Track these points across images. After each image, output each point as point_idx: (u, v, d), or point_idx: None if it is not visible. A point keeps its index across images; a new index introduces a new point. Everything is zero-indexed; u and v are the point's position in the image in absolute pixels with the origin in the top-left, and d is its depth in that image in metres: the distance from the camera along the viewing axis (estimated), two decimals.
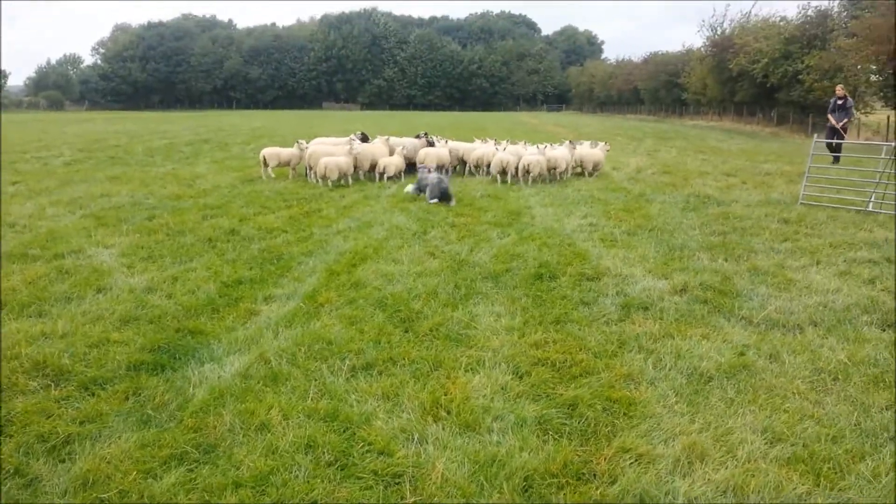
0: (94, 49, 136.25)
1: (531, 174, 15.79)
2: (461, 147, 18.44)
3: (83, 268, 8.24)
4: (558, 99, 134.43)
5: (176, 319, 6.45)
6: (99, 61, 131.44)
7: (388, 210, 12.54)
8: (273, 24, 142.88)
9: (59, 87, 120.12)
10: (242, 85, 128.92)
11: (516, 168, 15.96)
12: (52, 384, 5.09)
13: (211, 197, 13.82)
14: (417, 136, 18.73)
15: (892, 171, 12.72)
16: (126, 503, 3.69)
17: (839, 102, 21.89)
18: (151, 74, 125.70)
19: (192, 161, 21.87)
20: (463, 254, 9.06)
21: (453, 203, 13.12)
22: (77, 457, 4.11)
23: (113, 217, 11.53)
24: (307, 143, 17.42)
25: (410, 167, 17.18)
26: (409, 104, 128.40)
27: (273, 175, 16.66)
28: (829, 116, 22.14)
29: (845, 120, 21.91)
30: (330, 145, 17.59)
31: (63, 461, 4.09)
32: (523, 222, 11.34)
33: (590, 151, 17.81)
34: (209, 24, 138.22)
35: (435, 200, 13.20)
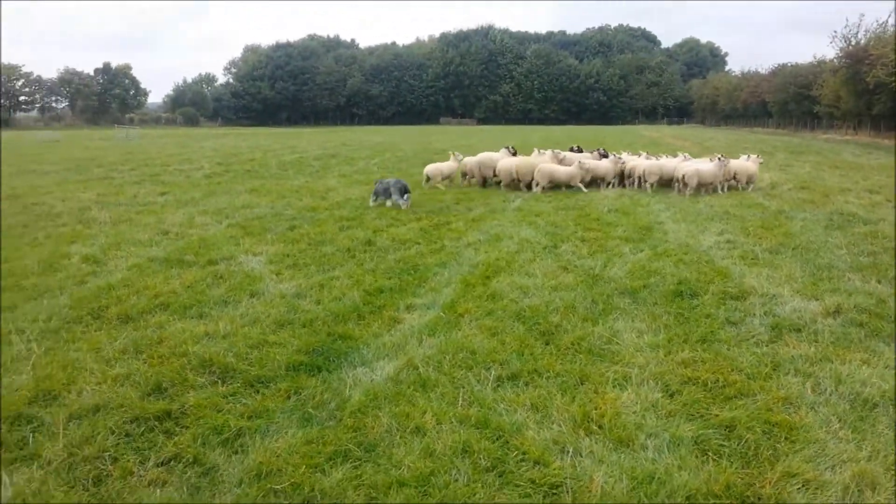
0: (226, 69, 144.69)
1: (689, 185, 16.34)
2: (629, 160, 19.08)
3: (236, 273, 8.75)
4: (679, 112, 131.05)
5: (326, 324, 6.75)
6: (231, 80, 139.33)
7: (516, 224, 12.61)
8: (393, 43, 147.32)
9: (194, 105, 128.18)
10: (364, 102, 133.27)
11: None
12: (219, 381, 5.45)
13: (344, 209, 14.35)
14: (571, 149, 21.11)
15: None
16: (299, 495, 3.89)
17: None
18: (279, 92, 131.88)
19: (322, 174, 22.79)
20: (597, 269, 8.99)
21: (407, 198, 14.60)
22: (249, 449, 4.38)
23: (257, 226, 12.18)
24: (463, 155, 19.20)
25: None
26: (525, 119, 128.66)
27: (441, 187, 17.77)
28: None
29: None
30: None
31: (236, 452, 4.37)
32: (656, 238, 11.13)
33: (744, 164, 17.80)
34: (333, 44, 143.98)
35: (406, 197, 14.59)
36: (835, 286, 8.15)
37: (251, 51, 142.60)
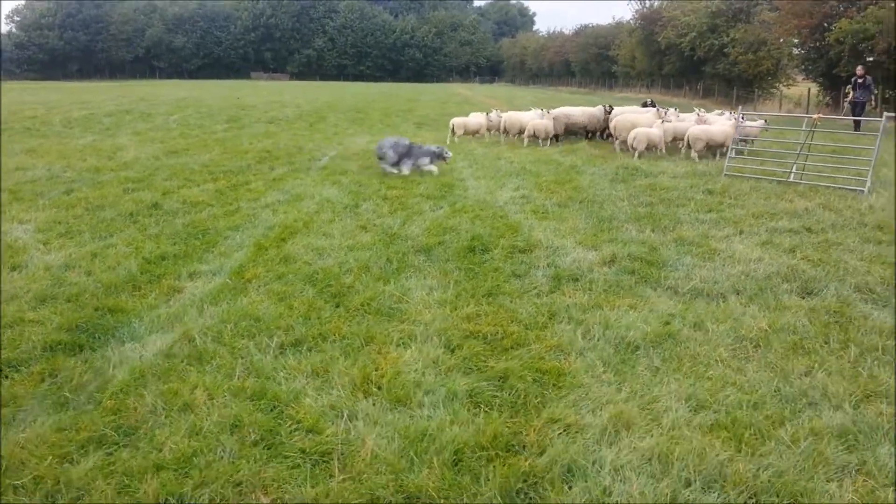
0: (8, 17, 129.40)
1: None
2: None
3: None
4: (490, 71, 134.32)
5: (95, 297, 6.20)
6: (14, 30, 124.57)
7: (319, 183, 12.32)
8: None
9: None
10: (166, 54, 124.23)
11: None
12: None
13: (133, 170, 13.33)
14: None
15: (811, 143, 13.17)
16: (41, 490, 3.52)
17: (860, 81, 23.51)
18: (69, 43, 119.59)
19: (113, 132, 21.05)
20: (395, 227, 8.98)
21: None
22: None
23: (29, 191, 11.00)
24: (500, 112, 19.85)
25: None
26: (340, 75, 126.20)
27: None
28: (849, 93, 24.14)
29: (869, 97, 24.32)
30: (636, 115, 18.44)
31: None
32: (456, 194, 11.31)
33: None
34: None
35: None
36: (613, 236, 8.68)
37: None
